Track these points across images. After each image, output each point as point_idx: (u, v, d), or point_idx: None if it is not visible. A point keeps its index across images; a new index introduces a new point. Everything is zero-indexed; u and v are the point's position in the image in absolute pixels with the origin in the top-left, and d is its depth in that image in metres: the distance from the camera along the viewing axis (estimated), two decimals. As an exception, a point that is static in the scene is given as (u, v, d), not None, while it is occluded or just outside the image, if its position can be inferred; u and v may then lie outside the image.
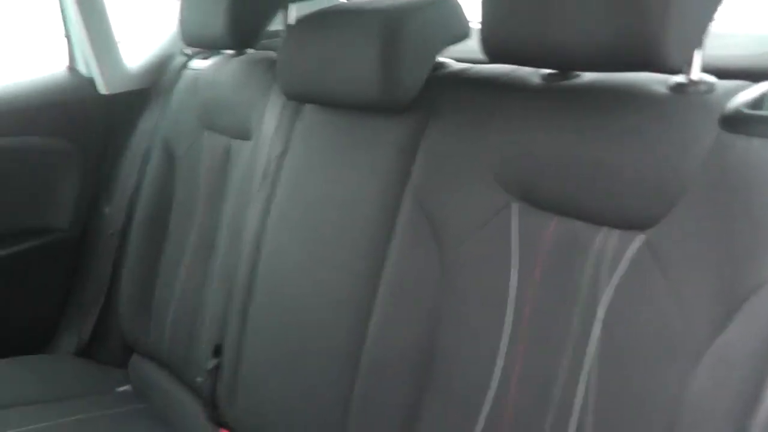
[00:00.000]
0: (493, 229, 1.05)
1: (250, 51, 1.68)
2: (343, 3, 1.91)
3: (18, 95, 1.96)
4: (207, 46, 1.75)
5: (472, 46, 1.24)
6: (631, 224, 0.92)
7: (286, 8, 1.59)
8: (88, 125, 2.01)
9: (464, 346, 1.06)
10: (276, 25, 1.66)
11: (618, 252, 0.92)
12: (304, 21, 1.35)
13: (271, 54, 1.60)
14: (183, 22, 1.71)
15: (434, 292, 1.10)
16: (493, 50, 1.00)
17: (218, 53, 1.76)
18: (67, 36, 2.01)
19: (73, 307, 2.02)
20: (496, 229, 1.04)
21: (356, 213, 1.24)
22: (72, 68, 2.04)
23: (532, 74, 1.11)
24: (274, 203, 1.41)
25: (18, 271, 1.94)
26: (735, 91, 0.91)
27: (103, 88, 1.99)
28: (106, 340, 1.95)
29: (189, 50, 1.93)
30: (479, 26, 1.01)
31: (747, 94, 0.90)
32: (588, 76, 1.04)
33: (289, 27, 1.38)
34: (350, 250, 1.24)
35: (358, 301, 1.20)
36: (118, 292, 1.87)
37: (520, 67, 1.13)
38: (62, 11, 1.97)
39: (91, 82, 2.00)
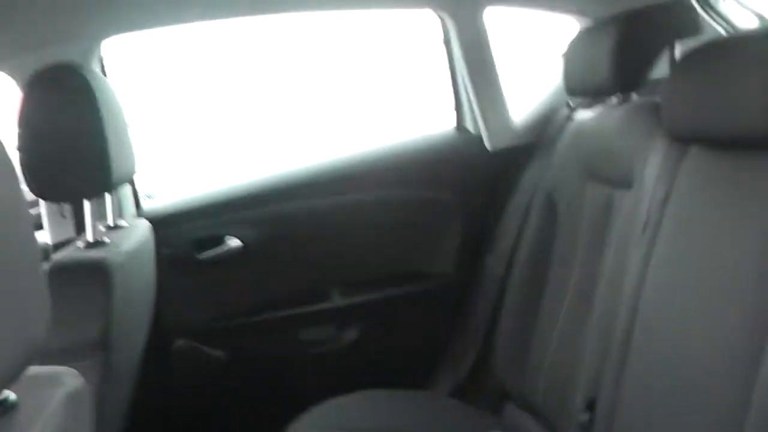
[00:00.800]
0: None
1: (634, 98, 1.65)
2: (734, 34, 1.79)
3: (411, 151, 2.15)
4: (591, 94, 1.75)
5: None
6: None
7: (672, 46, 1.54)
8: (474, 180, 2.12)
9: None
10: (659, 72, 1.62)
11: None
12: (690, 56, 1.29)
13: (656, 99, 1.53)
14: (567, 71, 1.74)
15: None
16: None
17: (602, 102, 1.75)
18: (456, 97, 2.15)
19: (452, 348, 2.12)
20: None
21: (746, 266, 1.12)
22: (460, 127, 2.17)
23: None
24: (655, 254, 1.33)
25: (406, 309, 2.10)
26: None
27: (490, 145, 2.09)
28: (481, 384, 2.01)
29: (572, 102, 1.96)
30: None
31: None
32: None
33: (675, 64, 1.33)
34: (737, 309, 1.11)
35: (745, 367, 1.07)
36: (495, 338, 1.91)
37: None
38: (452, 75, 2.12)
39: (478, 139, 2.11)
